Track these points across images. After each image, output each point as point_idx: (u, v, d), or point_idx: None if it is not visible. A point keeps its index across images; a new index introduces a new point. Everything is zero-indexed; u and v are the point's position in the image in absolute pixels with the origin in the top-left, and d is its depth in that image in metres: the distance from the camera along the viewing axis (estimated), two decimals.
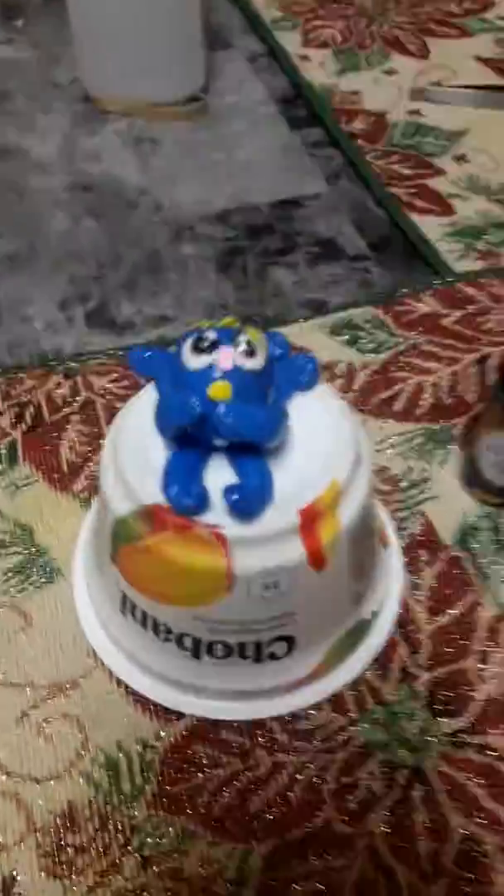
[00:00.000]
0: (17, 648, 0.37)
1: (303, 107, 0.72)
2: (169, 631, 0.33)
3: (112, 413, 0.47)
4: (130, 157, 0.66)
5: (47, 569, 0.40)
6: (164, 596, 0.32)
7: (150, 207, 0.62)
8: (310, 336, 0.52)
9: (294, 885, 0.31)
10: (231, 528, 0.29)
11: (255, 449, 0.30)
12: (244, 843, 0.32)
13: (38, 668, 0.37)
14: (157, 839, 0.31)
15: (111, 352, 0.50)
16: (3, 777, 0.33)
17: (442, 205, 0.62)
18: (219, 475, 0.30)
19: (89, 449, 0.45)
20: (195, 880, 0.31)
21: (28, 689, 0.36)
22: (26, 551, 0.41)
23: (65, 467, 0.44)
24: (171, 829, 0.32)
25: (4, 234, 0.59)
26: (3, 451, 0.45)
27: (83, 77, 0.72)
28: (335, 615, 0.34)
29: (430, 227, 0.60)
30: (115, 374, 0.49)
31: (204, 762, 0.34)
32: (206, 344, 0.29)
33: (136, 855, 0.31)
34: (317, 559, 0.30)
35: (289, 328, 0.52)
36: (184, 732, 0.34)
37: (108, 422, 0.46)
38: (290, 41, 0.80)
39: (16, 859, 0.31)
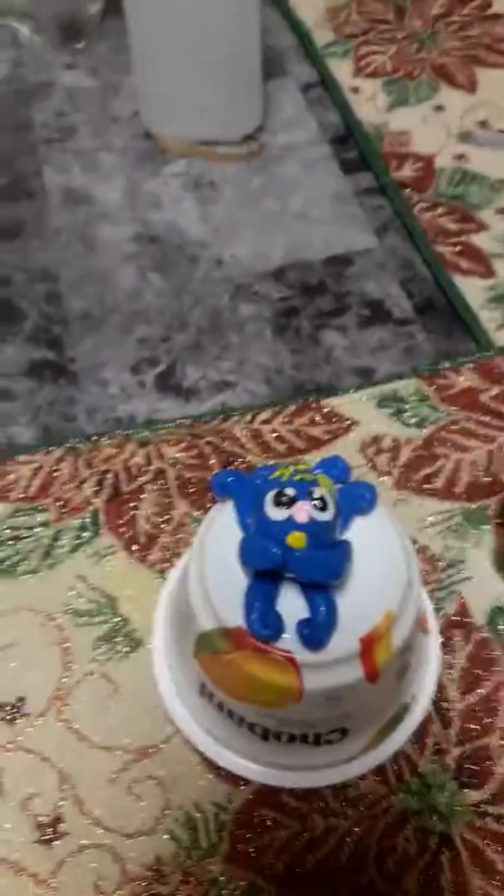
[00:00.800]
0: (107, 714, 0.44)
1: (354, 147, 0.75)
2: (241, 719, 0.39)
3: (182, 483, 0.52)
4: (191, 205, 0.70)
5: (131, 638, 0.46)
6: (241, 697, 0.38)
7: (210, 263, 0.66)
8: (359, 407, 0.56)
9: None
10: (301, 653, 0.35)
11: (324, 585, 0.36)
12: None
13: (127, 733, 0.43)
14: (231, 892, 0.38)
15: (180, 420, 0.55)
16: (101, 832, 0.40)
17: (483, 265, 0.65)
18: (291, 601, 0.36)
19: (161, 520, 0.51)
20: None
21: (118, 752, 0.43)
22: (112, 621, 0.47)
23: (141, 538, 0.50)
24: (242, 882, 0.39)
25: (77, 291, 0.63)
26: (88, 520, 0.51)
27: (142, 111, 0.74)
28: (383, 709, 0.40)
29: (472, 290, 0.63)
30: (184, 444, 0.54)
31: (267, 824, 0.40)
32: (285, 500, 0.34)
33: None
34: (372, 676, 0.36)
35: (339, 399, 0.57)
36: (250, 797, 0.41)
37: (179, 492, 0.52)
38: (341, 70, 0.81)
39: None
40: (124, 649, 0.46)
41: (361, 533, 0.38)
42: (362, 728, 0.40)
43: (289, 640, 0.35)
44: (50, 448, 0.53)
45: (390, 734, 0.42)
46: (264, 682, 0.36)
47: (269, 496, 0.34)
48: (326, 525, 0.34)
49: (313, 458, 0.53)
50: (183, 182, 0.71)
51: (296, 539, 0.33)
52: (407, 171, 0.72)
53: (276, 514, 0.34)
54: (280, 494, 0.34)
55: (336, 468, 0.39)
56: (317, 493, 0.34)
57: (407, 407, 0.56)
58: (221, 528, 0.38)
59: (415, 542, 0.50)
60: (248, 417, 0.55)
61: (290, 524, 0.33)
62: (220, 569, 0.37)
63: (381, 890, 0.39)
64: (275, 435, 0.55)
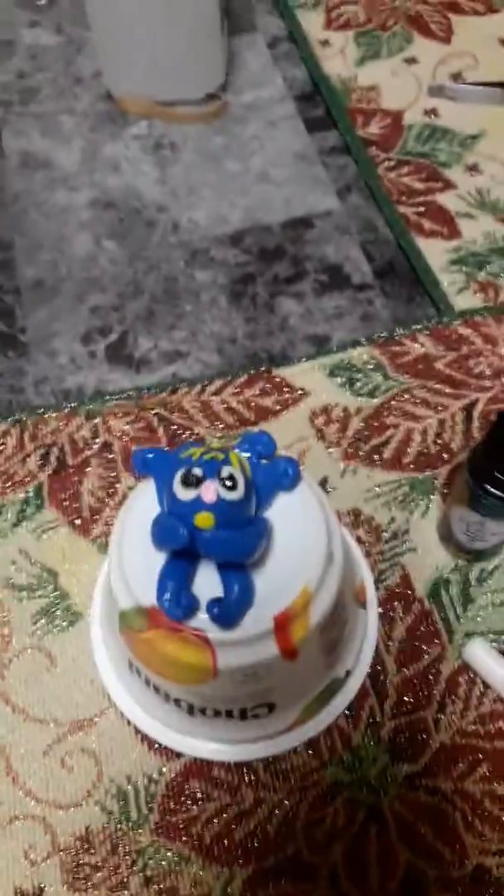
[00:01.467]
0: (43, 687, 0.44)
1: (320, 104, 0.72)
2: (167, 695, 0.39)
3: (128, 456, 0.52)
4: (150, 168, 0.68)
5: (70, 612, 0.46)
6: (161, 674, 0.38)
7: (167, 227, 0.64)
8: (310, 377, 0.55)
9: None
10: (214, 632, 0.35)
11: (238, 564, 0.35)
12: (228, 867, 0.39)
13: (62, 706, 0.43)
14: (158, 862, 0.39)
15: (129, 392, 0.55)
16: (33, 803, 0.41)
17: (449, 225, 0.63)
18: (208, 579, 0.36)
19: (106, 494, 0.50)
20: None
21: (52, 724, 0.43)
22: (51, 595, 0.47)
23: (85, 512, 0.50)
24: (169, 853, 0.39)
25: (31, 260, 0.62)
26: (31, 495, 0.51)
27: (104, 73, 0.72)
28: (310, 684, 0.40)
29: (435, 251, 0.61)
30: (132, 416, 0.53)
31: (198, 796, 0.41)
32: (192, 479, 0.33)
33: (140, 875, 0.39)
34: (289, 653, 0.36)
35: (291, 369, 0.56)
36: (182, 769, 0.41)
37: (125, 465, 0.51)
38: (312, 22, 0.78)
39: (43, 873, 0.39)
40: (63, 623, 0.46)
41: (283, 509, 0.37)
42: (289, 703, 0.40)
43: (203, 619, 0.35)
44: None
45: (324, 707, 0.42)
46: (180, 661, 0.35)
47: (178, 476, 0.34)
48: (236, 504, 0.33)
49: (260, 429, 0.53)
50: (143, 144, 0.70)
51: (203, 519, 0.33)
52: (374, 129, 0.69)
53: (184, 494, 0.33)
54: (188, 474, 0.33)
55: (261, 443, 0.38)
56: (225, 471, 0.33)
57: (359, 376, 0.55)
58: (142, 506, 0.38)
59: (359, 513, 0.49)
60: (198, 388, 0.54)
61: (198, 504, 0.33)
62: (139, 548, 0.37)
63: (308, 860, 0.39)
64: (224, 406, 0.54)
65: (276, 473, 0.38)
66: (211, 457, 0.34)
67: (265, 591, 0.35)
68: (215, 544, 0.34)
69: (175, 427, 0.53)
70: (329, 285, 0.61)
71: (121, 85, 0.71)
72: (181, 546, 0.34)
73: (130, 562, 0.37)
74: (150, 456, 0.38)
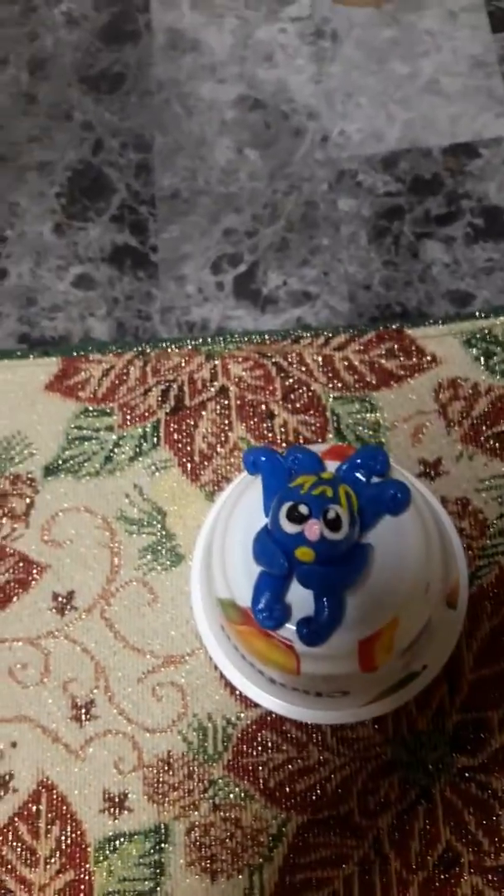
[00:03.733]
0: (143, 620, 0.48)
1: None
2: (252, 665, 0.42)
3: (242, 404, 0.52)
4: (306, 62, 0.62)
5: (174, 553, 0.50)
6: (251, 654, 0.41)
7: (316, 138, 0.59)
8: (444, 343, 0.52)
9: (315, 849, 0.43)
10: (301, 644, 0.37)
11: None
12: (286, 811, 0.44)
13: (158, 640, 0.48)
14: (227, 794, 0.44)
15: (252, 336, 0.54)
16: (125, 722, 0.46)
17: None
18: (301, 593, 0.37)
19: (217, 441, 0.52)
20: (247, 829, 0.44)
21: (148, 655, 0.48)
22: (159, 533, 0.50)
23: (196, 456, 0.52)
24: (237, 788, 0.45)
25: (170, 165, 0.60)
26: (149, 430, 0.52)
27: None
28: (386, 681, 0.42)
29: None
30: (251, 362, 0.53)
31: (269, 745, 0.45)
32: (298, 516, 0.34)
33: (210, 801, 0.44)
34: (370, 671, 0.38)
35: (424, 330, 0.53)
36: (258, 718, 0.46)
37: (239, 414, 0.52)
38: None
39: (129, 783, 0.45)
40: (167, 562, 0.49)
41: (387, 532, 0.37)
42: (363, 692, 0.42)
43: (291, 630, 0.37)
44: (121, 350, 0.54)
45: (397, 692, 0.45)
46: (267, 657, 0.38)
47: (284, 509, 0.34)
48: (337, 543, 0.34)
49: (381, 395, 0.51)
50: (301, 30, 0.63)
51: (304, 553, 0.34)
52: None
53: (289, 527, 0.34)
54: (293, 510, 0.34)
55: (375, 461, 0.38)
56: (331, 513, 0.34)
57: (498, 350, 0.52)
58: (249, 503, 0.39)
59: (468, 503, 0.49)
60: (322, 340, 0.53)
61: (301, 539, 0.34)
62: (241, 546, 0.38)
63: (357, 822, 0.44)
64: (346, 364, 0.52)
65: (385, 497, 0.38)
66: (319, 492, 0.34)
67: (356, 613, 0.37)
68: (314, 577, 0.35)
69: (292, 381, 0.52)
70: (484, 232, 0.56)
71: None
72: (279, 574, 0.35)
73: (231, 558, 0.39)
74: (263, 459, 0.38)
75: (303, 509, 0.34)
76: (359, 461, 0.38)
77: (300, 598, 0.37)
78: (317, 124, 0.60)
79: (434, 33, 0.61)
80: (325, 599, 0.36)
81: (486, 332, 0.52)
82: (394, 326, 0.53)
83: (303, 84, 0.61)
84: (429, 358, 0.52)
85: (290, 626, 0.37)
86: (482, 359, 0.52)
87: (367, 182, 0.58)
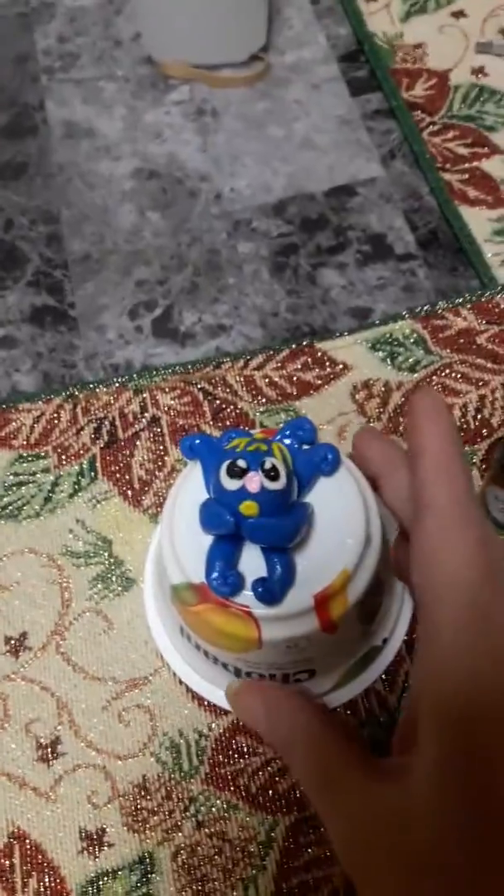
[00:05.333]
0: (101, 648, 0.48)
1: (365, 65, 0.71)
2: (216, 659, 0.42)
3: (175, 430, 0.54)
4: (192, 136, 0.68)
5: (125, 578, 0.50)
6: (210, 642, 0.41)
7: (210, 197, 0.65)
8: (352, 351, 0.56)
9: (307, 849, 0.42)
10: (258, 608, 0.37)
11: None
12: (272, 815, 0.43)
13: (118, 665, 0.47)
14: (208, 808, 0.43)
15: (175, 367, 0.57)
16: (94, 753, 0.45)
17: (493, 194, 0.62)
18: (251, 559, 0.38)
19: (155, 467, 0.53)
20: (235, 841, 0.42)
21: (110, 682, 0.46)
22: (106, 562, 0.50)
23: (136, 484, 0.53)
24: (218, 801, 0.43)
25: (78, 233, 0.64)
26: (86, 466, 0.53)
27: (143, 35, 0.72)
28: (349, 652, 0.43)
29: (479, 221, 0.61)
30: (178, 391, 0.56)
31: (244, 750, 0.44)
32: (237, 470, 0.35)
33: (193, 819, 0.42)
34: (329, 628, 0.38)
35: (332, 342, 0.57)
36: (229, 726, 0.45)
37: (172, 439, 0.54)
38: None
39: (105, 816, 0.43)
40: (118, 588, 0.49)
41: (324, 493, 0.39)
42: (329, 669, 0.43)
43: (248, 596, 0.37)
44: (49, 396, 0.56)
45: (362, 672, 0.45)
46: (227, 632, 0.38)
47: (224, 467, 0.36)
48: (278, 493, 0.35)
49: (303, 403, 0.54)
50: (184, 110, 0.70)
51: (248, 507, 0.35)
52: (419, 90, 0.68)
53: (229, 484, 0.35)
54: (233, 465, 0.35)
55: (302, 430, 0.40)
56: (268, 463, 0.35)
57: (401, 350, 0.56)
58: (192, 487, 0.40)
59: None
60: (241, 363, 0.56)
61: (243, 493, 0.35)
62: (189, 527, 0.39)
63: None
64: (266, 381, 0.55)
65: (317, 459, 0.40)
66: (254, 448, 0.36)
67: (306, 572, 0.38)
68: (259, 530, 0.36)
69: (219, 402, 0.55)
70: (372, 256, 0.61)
71: (161, 48, 0.71)
72: (228, 532, 0.36)
73: (181, 541, 0.39)
74: (197, 442, 0.40)
75: (241, 463, 0.35)
76: (288, 432, 0.40)
77: (252, 567, 0.38)
78: (209, 185, 0.66)
79: (302, 102, 0.69)
80: (275, 557, 0.37)
81: (388, 335, 0.56)
82: (304, 343, 0.57)
83: (192, 153, 0.67)
84: (340, 366, 0.56)
85: (247, 592, 0.37)
86: (388, 360, 0.56)
87: (261, 227, 0.63)
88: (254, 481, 0.35)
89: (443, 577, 0.34)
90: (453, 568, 0.34)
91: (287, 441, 0.40)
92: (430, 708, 0.32)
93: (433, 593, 0.34)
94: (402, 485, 0.40)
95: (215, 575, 0.37)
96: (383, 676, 0.45)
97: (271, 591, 0.37)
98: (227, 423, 0.54)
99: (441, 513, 0.36)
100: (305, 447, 0.40)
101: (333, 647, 0.41)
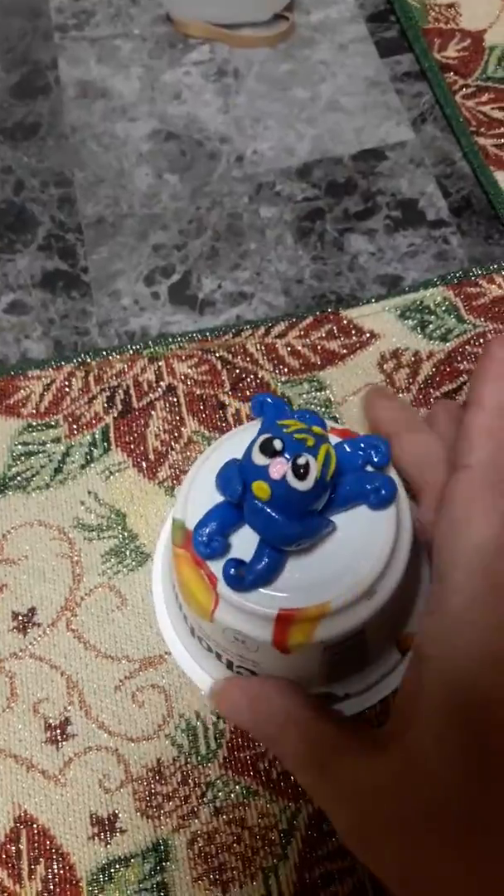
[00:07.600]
0: (113, 625, 0.45)
1: (394, 24, 0.68)
2: (209, 648, 0.39)
3: (192, 399, 0.51)
4: (213, 97, 0.65)
5: (138, 553, 0.47)
6: (179, 590, 0.38)
7: (231, 159, 0.62)
8: (380, 319, 0.54)
9: (331, 838, 0.39)
10: (223, 585, 0.34)
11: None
12: (294, 802, 0.40)
13: (132, 644, 0.45)
14: (227, 794, 0.40)
15: (192, 335, 0.54)
16: (106, 736, 0.42)
17: None
18: (246, 538, 0.35)
19: (171, 438, 0.50)
20: (255, 829, 0.40)
21: (123, 661, 0.44)
22: (120, 536, 0.48)
23: (151, 455, 0.50)
24: (237, 786, 0.41)
25: (92, 196, 0.61)
26: (98, 436, 0.51)
27: None
28: (304, 681, 0.38)
29: None
30: (196, 359, 0.53)
31: None
32: (270, 449, 0.32)
33: (210, 805, 0.40)
34: (279, 647, 0.34)
35: (359, 310, 0.54)
36: None
37: (189, 409, 0.51)
38: None
39: (117, 801, 0.41)
40: (132, 563, 0.47)
41: (358, 522, 0.35)
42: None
43: (220, 567, 0.34)
44: (60, 363, 0.53)
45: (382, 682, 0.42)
46: (191, 589, 0.35)
47: (260, 439, 0.33)
48: (296, 492, 0.32)
49: (328, 373, 0.52)
50: (204, 71, 0.67)
51: (259, 488, 0.32)
52: (451, 51, 0.65)
53: (258, 458, 0.32)
54: (268, 442, 0.32)
55: (378, 452, 0.36)
56: (303, 459, 0.32)
57: (432, 318, 0.53)
58: (232, 445, 0.37)
59: None
60: (262, 331, 0.53)
61: (263, 473, 0.32)
62: (210, 479, 0.36)
63: None
64: (289, 349, 0.53)
65: (369, 487, 0.35)
66: (302, 437, 0.32)
67: (291, 580, 0.34)
68: (257, 516, 0.33)
69: (238, 371, 0.52)
70: (402, 222, 0.58)
71: (180, 6, 0.68)
72: (231, 499, 0.33)
73: (199, 486, 0.37)
74: (269, 401, 0.37)
75: (277, 444, 0.32)
76: (362, 444, 0.36)
77: (244, 546, 0.35)
78: (230, 147, 0.63)
79: (328, 63, 0.66)
80: (265, 550, 0.34)
81: (419, 303, 0.54)
82: (329, 310, 0.54)
83: (212, 115, 0.64)
84: (367, 334, 0.53)
85: (222, 562, 0.34)
86: (419, 328, 0.53)
87: (285, 191, 0.60)
88: (278, 468, 0.32)
89: (462, 540, 0.32)
90: (474, 533, 0.32)
91: (349, 448, 0.36)
92: (435, 672, 0.31)
93: (449, 556, 0.33)
94: (414, 448, 0.38)
95: (202, 532, 0.34)
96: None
97: (241, 578, 0.33)
98: (248, 392, 0.51)
99: (474, 474, 0.34)
100: (369, 468, 0.36)
101: (286, 668, 0.37)
